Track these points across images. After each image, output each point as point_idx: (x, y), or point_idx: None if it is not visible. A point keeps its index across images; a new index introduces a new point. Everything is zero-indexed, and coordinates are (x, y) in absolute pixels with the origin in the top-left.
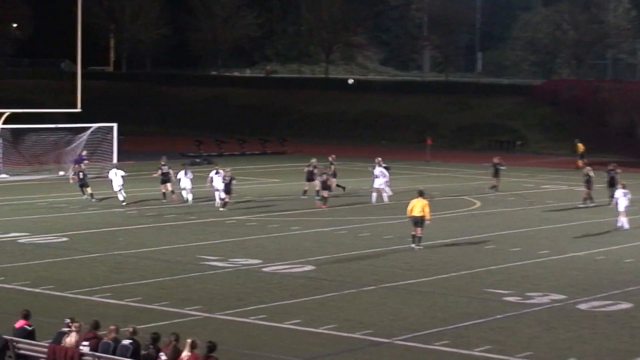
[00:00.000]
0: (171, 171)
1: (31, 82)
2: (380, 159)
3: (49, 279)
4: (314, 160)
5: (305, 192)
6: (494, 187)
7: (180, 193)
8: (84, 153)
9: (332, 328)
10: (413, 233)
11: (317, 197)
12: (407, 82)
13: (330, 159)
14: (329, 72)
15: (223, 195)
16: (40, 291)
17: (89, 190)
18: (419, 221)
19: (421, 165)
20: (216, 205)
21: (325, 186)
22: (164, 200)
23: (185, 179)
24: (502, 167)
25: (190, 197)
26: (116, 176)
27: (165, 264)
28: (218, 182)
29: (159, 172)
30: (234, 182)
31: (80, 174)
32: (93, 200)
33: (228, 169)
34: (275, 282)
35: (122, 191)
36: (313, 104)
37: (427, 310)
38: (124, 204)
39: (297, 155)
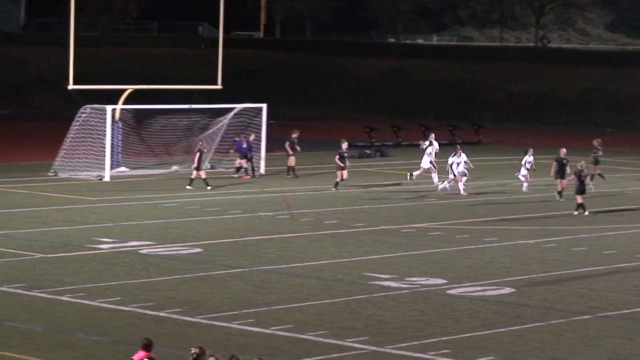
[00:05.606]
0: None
1: (160, 52)
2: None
3: (177, 300)
4: (563, 150)
5: (559, 193)
6: None
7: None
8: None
9: None
10: None
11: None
12: None
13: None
14: (538, 40)
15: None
16: (166, 315)
17: None
18: None
19: None
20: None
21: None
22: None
23: None
24: None
25: None
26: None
27: (324, 282)
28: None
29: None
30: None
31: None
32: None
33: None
34: (464, 308)
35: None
36: (517, 80)
37: None
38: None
39: (493, 145)
